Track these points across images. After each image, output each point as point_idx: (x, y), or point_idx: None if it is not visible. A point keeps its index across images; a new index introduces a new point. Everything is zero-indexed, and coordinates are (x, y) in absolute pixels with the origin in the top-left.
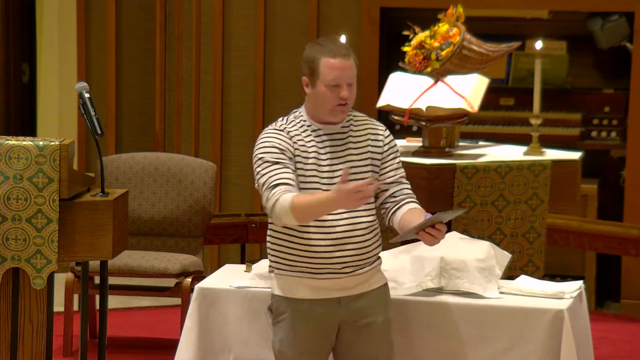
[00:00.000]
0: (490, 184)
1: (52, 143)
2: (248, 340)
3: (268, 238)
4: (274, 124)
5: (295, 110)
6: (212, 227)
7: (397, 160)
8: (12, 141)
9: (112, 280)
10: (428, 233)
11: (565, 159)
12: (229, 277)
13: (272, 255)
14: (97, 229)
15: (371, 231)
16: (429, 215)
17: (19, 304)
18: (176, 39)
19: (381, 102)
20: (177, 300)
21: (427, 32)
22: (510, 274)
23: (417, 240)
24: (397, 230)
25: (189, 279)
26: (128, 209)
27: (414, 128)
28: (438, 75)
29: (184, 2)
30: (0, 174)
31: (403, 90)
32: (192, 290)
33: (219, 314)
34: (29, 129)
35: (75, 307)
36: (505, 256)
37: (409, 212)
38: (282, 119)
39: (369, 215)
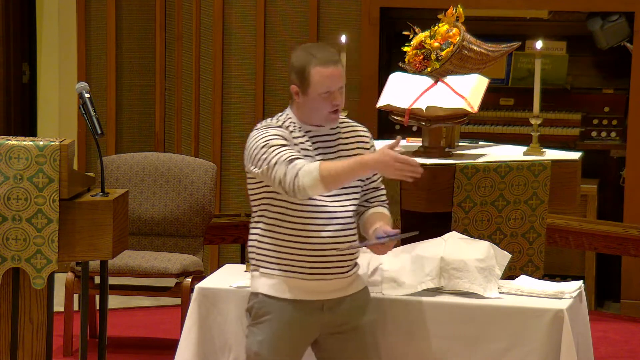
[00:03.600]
0: (490, 184)
1: (52, 143)
2: None
3: (253, 236)
4: (263, 123)
5: (279, 114)
6: (212, 227)
7: None
8: (12, 141)
9: (112, 280)
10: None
11: (565, 159)
12: (229, 277)
13: (257, 253)
14: (97, 229)
15: (355, 232)
16: (380, 235)
17: (19, 304)
18: (176, 39)
19: (381, 102)
20: (177, 300)
21: (427, 32)
22: (510, 274)
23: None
24: (360, 227)
25: (189, 279)
26: (128, 209)
27: (414, 128)
28: (438, 75)
29: (184, 2)
30: (0, 174)
31: (403, 90)
32: (192, 290)
33: (219, 314)
34: (29, 129)
35: (75, 307)
36: (505, 256)
37: (373, 215)
38: (271, 120)
39: (354, 216)
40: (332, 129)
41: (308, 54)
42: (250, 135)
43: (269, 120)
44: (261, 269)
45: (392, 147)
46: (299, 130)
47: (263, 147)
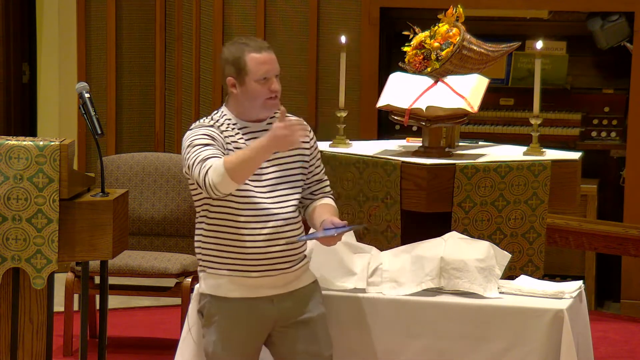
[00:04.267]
0: (490, 184)
1: (52, 143)
2: None
3: (198, 237)
4: (197, 122)
5: (215, 112)
6: None
7: (319, 156)
8: (12, 141)
9: (112, 280)
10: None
11: (565, 159)
12: None
13: (203, 254)
14: (97, 229)
15: (299, 227)
16: (328, 227)
17: (19, 304)
18: (176, 39)
19: (381, 102)
20: (177, 300)
21: (427, 32)
22: (510, 274)
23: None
24: (307, 219)
25: (189, 279)
26: (128, 209)
27: (414, 128)
28: (438, 75)
29: (184, 2)
30: (0, 174)
31: (403, 90)
32: (192, 290)
33: None
34: (29, 129)
35: (75, 307)
36: (505, 256)
37: (319, 207)
38: (205, 119)
39: (296, 211)
40: (269, 123)
41: (240, 44)
42: (184, 135)
43: (202, 119)
44: (207, 270)
45: (280, 121)
46: (234, 128)
47: (187, 147)
